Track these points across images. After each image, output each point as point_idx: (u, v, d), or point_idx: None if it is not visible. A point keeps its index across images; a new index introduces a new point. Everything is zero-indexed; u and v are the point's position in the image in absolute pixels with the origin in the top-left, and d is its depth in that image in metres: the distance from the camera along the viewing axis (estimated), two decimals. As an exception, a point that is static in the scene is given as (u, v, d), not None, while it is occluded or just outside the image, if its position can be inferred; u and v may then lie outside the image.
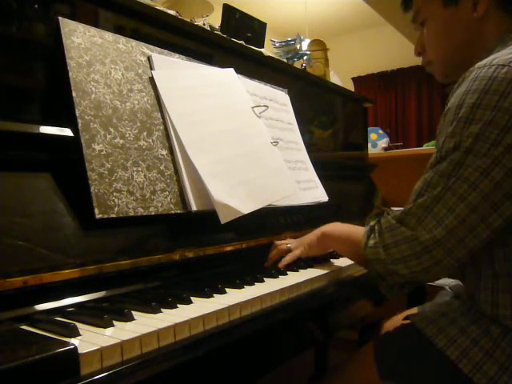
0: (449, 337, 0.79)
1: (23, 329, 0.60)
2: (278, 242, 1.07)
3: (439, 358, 0.78)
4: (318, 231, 1.04)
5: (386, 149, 2.98)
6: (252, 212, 0.98)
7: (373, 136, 3.02)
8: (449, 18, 0.90)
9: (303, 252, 1.02)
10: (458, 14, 0.89)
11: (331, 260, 1.10)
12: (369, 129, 2.42)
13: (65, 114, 0.78)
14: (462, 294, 0.90)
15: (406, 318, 0.90)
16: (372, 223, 0.86)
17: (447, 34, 0.91)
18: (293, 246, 1.04)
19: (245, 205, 0.96)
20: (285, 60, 1.80)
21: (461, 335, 0.78)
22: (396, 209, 0.89)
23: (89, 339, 0.54)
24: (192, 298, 0.71)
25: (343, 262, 1.09)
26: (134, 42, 0.95)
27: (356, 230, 0.94)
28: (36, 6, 0.80)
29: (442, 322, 0.82)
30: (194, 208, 0.89)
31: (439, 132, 0.81)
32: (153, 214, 0.83)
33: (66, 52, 0.80)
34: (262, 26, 1.53)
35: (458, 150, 0.74)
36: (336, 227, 1.03)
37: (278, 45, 1.91)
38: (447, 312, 0.83)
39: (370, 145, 2.77)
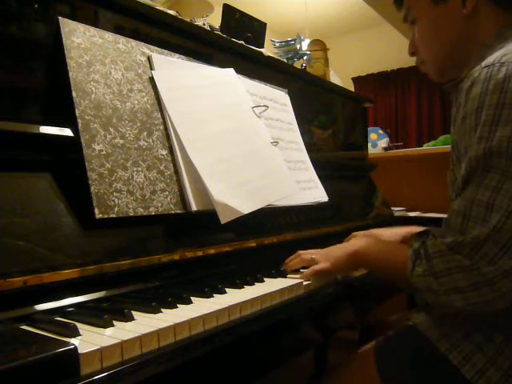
0: (451, 341, 0.78)
1: (23, 329, 0.60)
2: (301, 252, 0.97)
3: (441, 361, 0.77)
4: (348, 249, 0.93)
5: (386, 149, 2.98)
6: (252, 212, 0.98)
7: (373, 136, 3.01)
8: (438, 16, 0.88)
9: (329, 268, 0.91)
10: (448, 11, 0.87)
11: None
12: (369, 129, 2.42)
13: (65, 113, 0.78)
14: None
15: (408, 319, 0.89)
16: (416, 246, 0.76)
17: (438, 32, 0.90)
18: (317, 257, 0.93)
19: (245, 205, 0.96)
20: (285, 60, 1.80)
21: (464, 340, 0.77)
22: (434, 215, 0.81)
23: (89, 339, 0.54)
24: (192, 297, 0.71)
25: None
26: (133, 42, 0.95)
27: (396, 252, 0.84)
28: (36, 5, 0.80)
29: (444, 325, 0.81)
30: (194, 208, 0.89)
31: (459, 137, 0.77)
32: (153, 214, 0.83)
33: (66, 52, 0.80)
34: (262, 26, 1.53)
35: (495, 157, 0.68)
36: (371, 246, 0.91)
37: (278, 45, 1.91)
38: (450, 315, 0.82)
39: (370, 145, 2.76)
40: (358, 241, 0.94)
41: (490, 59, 0.75)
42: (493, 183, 0.68)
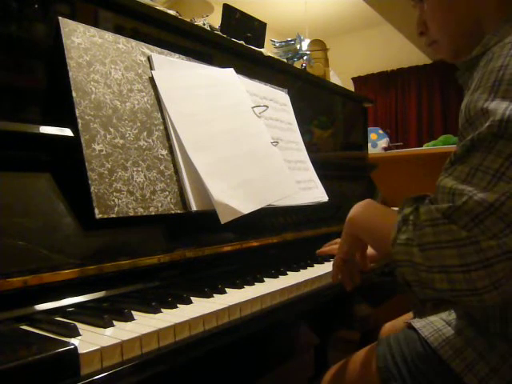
0: (454, 348, 0.76)
1: (23, 329, 0.60)
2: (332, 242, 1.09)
3: (443, 368, 0.76)
4: (346, 219, 0.81)
5: (385, 149, 2.98)
6: (252, 212, 0.98)
7: (373, 136, 3.01)
8: None
9: (337, 250, 0.86)
10: None
11: (332, 259, 1.10)
12: (369, 129, 2.42)
13: (65, 114, 0.79)
14: None
15: (409, 322, 0.88)
16: (407, 211, 0.62)
17: (450, 5, 0.82)
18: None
19: (245, 205, 0.96)
20: (285, 60, 1.80)
21: (467, 347, 0.75)
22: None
23: (89, 339, 0.54)
24: (192, 297, 0.71)
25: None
26: (133, 42, 0.95)
27: (388, 217, 0.72)
28: (36, 6, 0.80)
29: (447, 331, 0.79)
30: (194, 208, 0.89)
31: (467, 108, 0.65)
32: (153, 214, 0.83)
33: (65, 52, 0.80)
34: (262, 25, 1.53)
35: (510, 127, 0.56)
36: (364, 210, 0.79)
37: (277, 45, 1.91)
38: (452, 321, 0.81)
39: (370, 145, 2.76)
40: (356, 206, 0.82)
41: None
42: (507, 151, 0.56)
